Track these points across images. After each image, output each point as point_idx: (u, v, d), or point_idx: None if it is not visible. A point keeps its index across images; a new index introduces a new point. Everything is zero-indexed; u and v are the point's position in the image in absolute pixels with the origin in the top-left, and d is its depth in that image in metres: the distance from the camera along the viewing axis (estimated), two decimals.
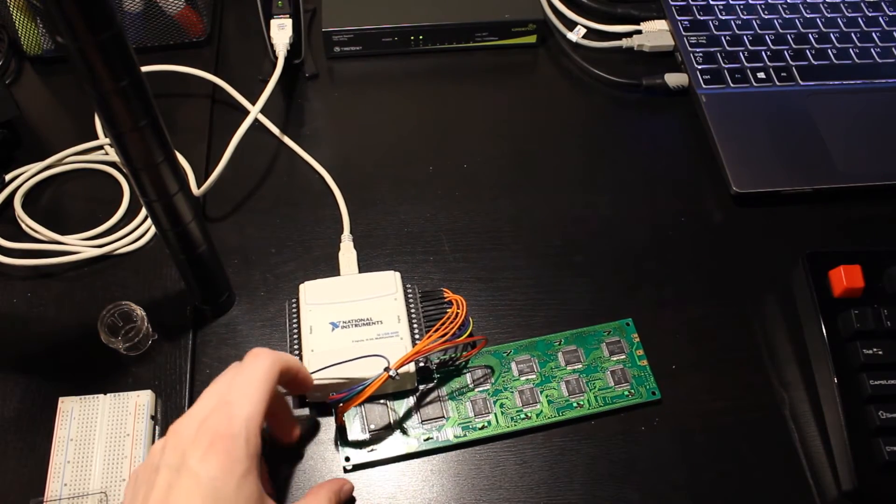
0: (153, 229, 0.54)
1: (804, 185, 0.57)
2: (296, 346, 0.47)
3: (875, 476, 0.44)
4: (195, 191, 0.55)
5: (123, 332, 0.47)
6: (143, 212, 0.54)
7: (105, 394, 0.45)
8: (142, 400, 0.45)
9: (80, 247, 0.53)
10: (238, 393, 0.37)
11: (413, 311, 0.48)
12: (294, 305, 0.49)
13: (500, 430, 0.46)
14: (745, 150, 0.59)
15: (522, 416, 0.47)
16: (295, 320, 0.48)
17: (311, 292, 0.48)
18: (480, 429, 0.46)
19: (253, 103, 0.55)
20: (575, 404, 0.47)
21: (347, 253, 0.53)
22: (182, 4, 0.62)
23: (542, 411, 0.47)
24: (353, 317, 0.47)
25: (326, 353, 0.46)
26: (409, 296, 0.49)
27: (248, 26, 0.66)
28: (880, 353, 0.46)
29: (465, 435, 0.46)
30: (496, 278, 0.53)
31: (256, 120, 0.55)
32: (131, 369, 0.48)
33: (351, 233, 0.54)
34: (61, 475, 0.42)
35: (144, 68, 0.60)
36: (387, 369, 0.43)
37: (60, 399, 0.45)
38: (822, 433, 0.47)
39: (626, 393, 0.48)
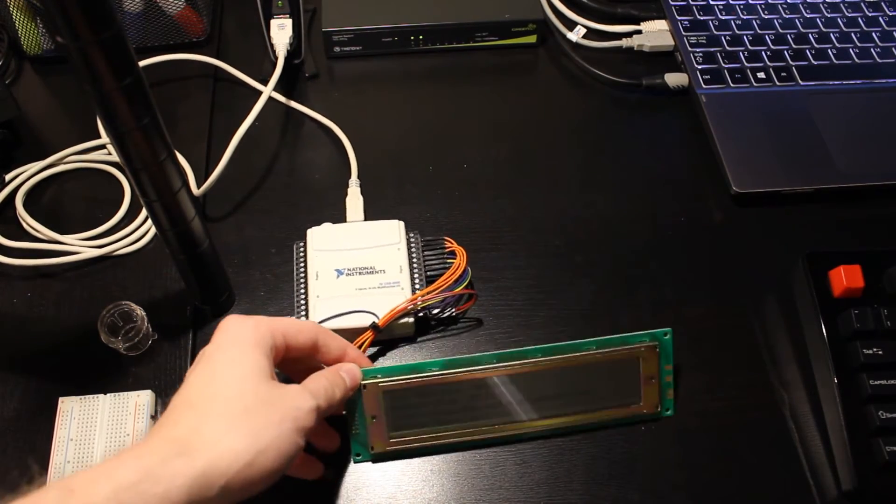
0: (153, 229, 0.54)
1: (804, 185, 0.57)
2: (302, 291, 0.49)
3: (875, 476, 0.44)
4: (195, 190, 0.55)
5: (123, 332, 0.47)
6: (144, 212, 0.54)
7: (105, 394, 0.45)
8: (142, 400, 0.45)
9: (80, 247, 0.53)
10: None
11: (415, 261, 0.50)
12: (301, 249, 0.50)
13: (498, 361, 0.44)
14: (745, 150, 0.59)
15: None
16: (302, 264, 0.50)
17: (319, 237, 0.50)
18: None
19: (253, 104, 0.55)
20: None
21: (354, 198, 0.54)
22: (182, 4, 0.62)
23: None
24: (358, 265, 0.49)
25: (331, 299, 0.47)
26: (412, 245, 0.50)
27: (248, 26, 0.66)
28: (880, 353, 0.46)
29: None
30: (496, 278, 0.53)
31: (257, 120, 0.55)
32: (131, 369, 0.48)
33: (359, 178, 0.56)
34: (61, 475, 0.42)
35: (152, 59, 0.60)
36: (374, 325, 0.45)
37: (60, 399, 0.45)
38: (822, 433, 0.47)
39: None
